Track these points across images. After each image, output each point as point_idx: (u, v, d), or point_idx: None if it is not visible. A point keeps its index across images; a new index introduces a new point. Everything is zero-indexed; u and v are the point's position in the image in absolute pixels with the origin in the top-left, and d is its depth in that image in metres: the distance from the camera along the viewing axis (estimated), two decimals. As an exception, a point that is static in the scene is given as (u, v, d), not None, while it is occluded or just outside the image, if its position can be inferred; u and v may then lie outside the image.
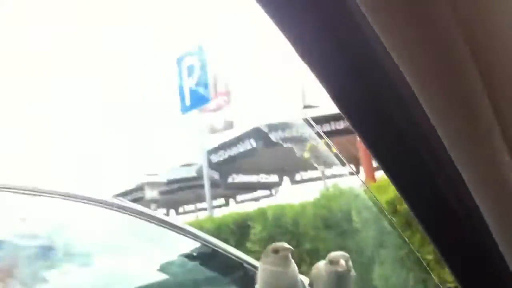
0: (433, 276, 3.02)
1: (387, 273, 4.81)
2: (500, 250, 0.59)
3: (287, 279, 1.09)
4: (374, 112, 0.59)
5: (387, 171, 0.63)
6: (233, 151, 11.83)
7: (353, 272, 1.12)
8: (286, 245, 1.12)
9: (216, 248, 1.87)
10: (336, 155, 0.94)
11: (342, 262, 1.08)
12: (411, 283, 4.43)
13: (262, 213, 6.83)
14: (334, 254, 1.11)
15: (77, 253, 1.94)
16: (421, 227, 0.68)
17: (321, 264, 1.09)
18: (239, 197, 14.67)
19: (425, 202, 0.66)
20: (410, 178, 0.64)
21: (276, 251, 1.10)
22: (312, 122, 0.88)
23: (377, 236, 4.69)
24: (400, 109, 0.56)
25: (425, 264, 3.18)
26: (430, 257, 2.62)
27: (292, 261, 1.11)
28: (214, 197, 13.73)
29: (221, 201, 14.94)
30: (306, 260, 4.91)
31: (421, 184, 0.64)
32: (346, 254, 1.11)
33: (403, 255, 3.52)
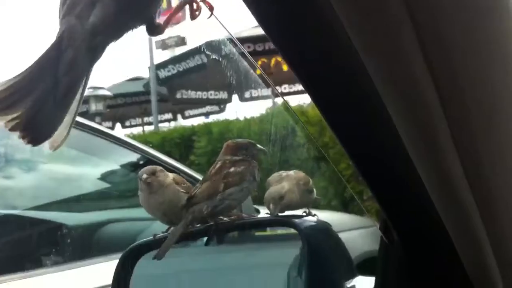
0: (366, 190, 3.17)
1: (326, 184, 5.03)
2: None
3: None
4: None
5: (308, 92, 0.63)
6: (183, 66, 11.62)
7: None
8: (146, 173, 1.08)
9: (156, 160, 1.90)
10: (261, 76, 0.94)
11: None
12: (347, 196, 4.65)
13: (207, 128, 6.89)
14: (303, 174, 1.10)
15: (20, 160, 1.94)
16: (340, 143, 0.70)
17: (286, 185, 1.06)
18: (187, 112, 14.61)
19: (349, 127, 0.67)
20: (333, 100, 0.65)
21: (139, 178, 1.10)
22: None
23: (319, 150, 4.85)
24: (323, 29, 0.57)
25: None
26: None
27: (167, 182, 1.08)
28: (162, 111, 13.62)
29: (169, 116, 14.87)
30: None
31: (346, 109, 0.65)
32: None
33: (340, 169, 3.66)
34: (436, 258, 0.78)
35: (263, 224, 1.10)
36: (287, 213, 1.01)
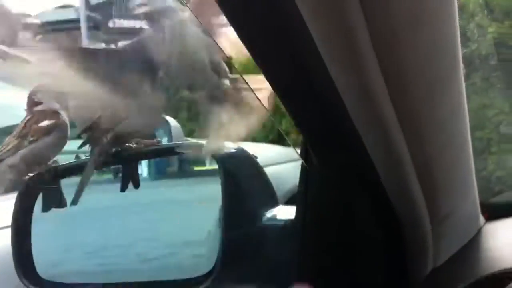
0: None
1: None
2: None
3: None
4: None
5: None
6: (114, -8, 11.14)
7: None
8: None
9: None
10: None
11: None
12: (283, 128, 4.69)
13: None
14: None
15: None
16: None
17: None
18: (121, 43, 14.11)
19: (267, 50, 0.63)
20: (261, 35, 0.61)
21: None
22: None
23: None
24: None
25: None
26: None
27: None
28: (94, 42, 13.09)
29: (101, 45, 14.33)
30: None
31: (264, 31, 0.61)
32: None
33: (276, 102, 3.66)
34: (358, 184, 0.77)
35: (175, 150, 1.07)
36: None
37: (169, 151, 1.14)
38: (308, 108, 0.70)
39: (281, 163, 2.43)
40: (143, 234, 1.13)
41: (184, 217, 1.11)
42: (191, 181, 1.28)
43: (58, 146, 1.06)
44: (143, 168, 1.22)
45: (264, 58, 0.64)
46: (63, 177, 1.08)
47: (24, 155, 1.01)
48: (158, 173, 1.29)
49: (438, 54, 0.55)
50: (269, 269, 0.89)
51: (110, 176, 1.22)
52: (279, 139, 4.73)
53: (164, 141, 1.53)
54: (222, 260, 0.85)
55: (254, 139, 5.07)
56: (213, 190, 1.19)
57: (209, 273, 0.88)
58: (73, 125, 1.09)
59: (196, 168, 1.28)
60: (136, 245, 1.11)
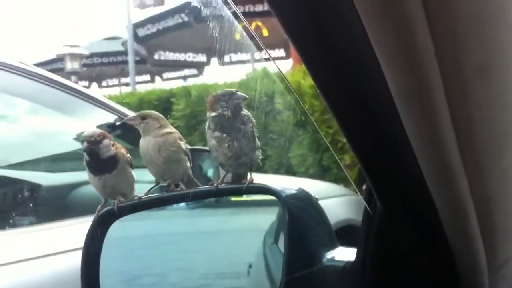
0: (345, 158, 3.17)
1: (304, 152, 5.05)
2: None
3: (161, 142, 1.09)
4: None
5: (302, 55, 0.62)
6: (162, 25, 11.46)
7: None
8: (155, 113, 1.09)
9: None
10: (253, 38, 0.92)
11: None
12: (324, 163, 4.68)
13: (186, 91, 6.82)
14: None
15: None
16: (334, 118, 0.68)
17: None
18: (166, 75, 14.45)
19: (340, 95, 0.66)
20: (326, 66, 0.63)
21: (143, 117, 1.10)
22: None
23: (298, 117, 4.85)
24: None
25: (339, 146, 3.35)
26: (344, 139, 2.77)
27: (169, 130, 1.09)
28: (140, 73, 13.44)
29: (147, 77, 14.70)
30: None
31: (338, 77, 0.64)
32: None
33: (319, 137, 3.69)
34: (420, 228, 0.77)
35: (241, 191, 1.08)
36: (264, 182, 0.99)
37: (236, 191, 1.15)
38: (377, 153, 0.71)
39: (326, 198, 2.46)
40: (177, 264, 1.14)
41: (219, 248, 1.12)
42: (227, 211, 1.28)
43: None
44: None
45: (337, 103, 0.67)
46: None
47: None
48: (195, 202, 1.30)
49: (504, 102, 0.55)
50: None
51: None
52: (319, 174, 4.73)
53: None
54: None
55: (295, 172, 5.07)
56: (249, 221, 1.20)
57: None
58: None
59: (232, 199, 1.28)
60: (170, 274, 1.12)
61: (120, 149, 1.10)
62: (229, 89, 1.00)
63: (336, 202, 2.61)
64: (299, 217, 0.90)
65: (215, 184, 1.00)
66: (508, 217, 0.71)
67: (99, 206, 1.08)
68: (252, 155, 1.00)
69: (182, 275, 1.11)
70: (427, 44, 0.47)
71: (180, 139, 1.08)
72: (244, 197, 1.16)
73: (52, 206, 1.85)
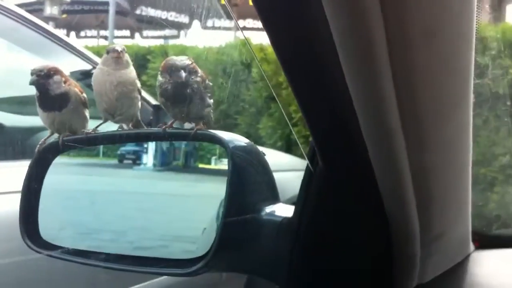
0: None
1: (273, 124, 5.07)
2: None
3: (116, 77, 1.08)
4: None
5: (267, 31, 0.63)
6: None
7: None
8: (120, 47, 1.08)
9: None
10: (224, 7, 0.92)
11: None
12: (293, 138, 4.70)
13: (163, 50, 6.75)
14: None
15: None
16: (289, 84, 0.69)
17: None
18: (145, 33, 14.19)
19: (290, 52, 0.66)
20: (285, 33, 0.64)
21: (107, 51, 1.09)
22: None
23: (273, 89, 4.84)
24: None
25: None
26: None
27: (129, 64, 1.09)
28: (120, 27, 13.18)
29: (127, 33, 14.42)
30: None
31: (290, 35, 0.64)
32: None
33: (290, 111, 3.68)
34: (356, 190, 0.79)
35: (189, 136, 1.08)
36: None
37: (182, 136, 1.14)
38: (320, 108, 0.72)
39: (287, 171, 2.48)
40: (137, 223, 1.13)
41: (180, 212, 1.12)
42: (193, 177, 1.29)
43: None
44: (148, 158, 1.23)
45: (288, 60, 0.66)
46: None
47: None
48: (162, 165, 1.30)
49: (450, 71, 0.56)
50: (260, 260, 0.91)
51: (115, 161, 1.23)
52: (286, 148, 4.75)
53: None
54: (218, 244, 0.86)
55: (262, 143, 5.08)
56: (213, 189, 1.20)
57: (203, 255, 0.90)
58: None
59: (200, 165, 1.28)
60: (129, 233, 1.12)
61: (74, 87, 1.08)
62: (182, 60, 1.01)
63: (298, 175, 2.62)
64: (243, 168, 0.93)
65: (163, 127, 1.02)
66: (446, 191, 0.73)
67: (42, 140, 1.05)
68: (201, 113, 1.03)
69: (140, 234, 1.11)
70: (373, 3, 0.47)
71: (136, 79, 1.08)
72: (212, 165, 1.17)
73: (10, 146, 1.81)
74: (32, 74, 1.03)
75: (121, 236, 1.12)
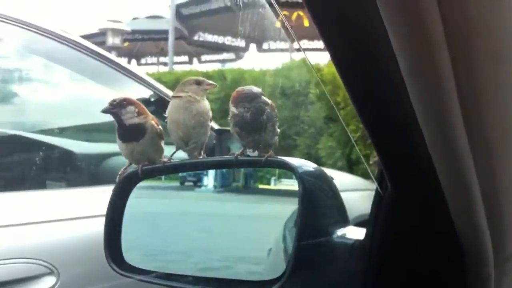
0: (374, 153, 3.16)
1: (333, 144, 5.04)
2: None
3: (199, 108, 1.11)
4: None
5: (329, 50, 0.63)
6: (205, 7, 11.53)
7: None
8: (210, 81, 1.13)
9: (168, 99, 1.90)
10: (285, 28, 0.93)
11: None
12: (353, 157, 4.66)
13: (222, 74, 6.87)
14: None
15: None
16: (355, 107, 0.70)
17: None
18: (204, 57, 14.51)
19: (356, 78, 0.67)
20: (350, 57, 0.64)
21: (198, 82, 1.12)
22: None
23: (331, 110, 4.82)
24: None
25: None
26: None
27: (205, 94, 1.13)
28: (178, 54, 13.53)
29: (185, 58, 14.77)
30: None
31: (363, 71, 0.65)
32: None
33: (350, 130, 3.65)
34: (427, 213, 0.79)
35: (260, 163, 1.09)
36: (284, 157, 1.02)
37: (253, 163, 1.17)
38: (389, 135, 0.72)
39: (350, 191, 2.47)
40: (200, 244, 1.15)
41: (242, 233, 1.13)
42: (254, 198, 1.29)
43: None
44: (208, 180, 1.25)
45: (354, 88, 0.68)
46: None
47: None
48: (222, 186, 1.31)
49: None
50: (334, 282, 0.92)
51: (177, 183, 1.25)
52: (347, 167, 4.71)
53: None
54: (292, 266, 0.87)
55: (323, 163, 5.06)
56: (274, 209, 1.20)
57: (278, 278, 0.90)
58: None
59: (260, 186, 1.29)
60: (193, 254, 1.13)
61: (150, 119, 1.11)
62: (255, 89, 1.03)
63: (361, 195, 2.61)
64: (313, 192, 0.94)
65: (235, 155, 1.04)
66: None
67: (122, 169, 1.09)
68: (272, 141, 1.05)
69: (205, 255, 1.12)
70: (437, 28, 0.47)
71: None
72: (272, 186, 1.17)
73: (83, 173, 1.88)
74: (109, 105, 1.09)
75: (187, 257, 1.13)
